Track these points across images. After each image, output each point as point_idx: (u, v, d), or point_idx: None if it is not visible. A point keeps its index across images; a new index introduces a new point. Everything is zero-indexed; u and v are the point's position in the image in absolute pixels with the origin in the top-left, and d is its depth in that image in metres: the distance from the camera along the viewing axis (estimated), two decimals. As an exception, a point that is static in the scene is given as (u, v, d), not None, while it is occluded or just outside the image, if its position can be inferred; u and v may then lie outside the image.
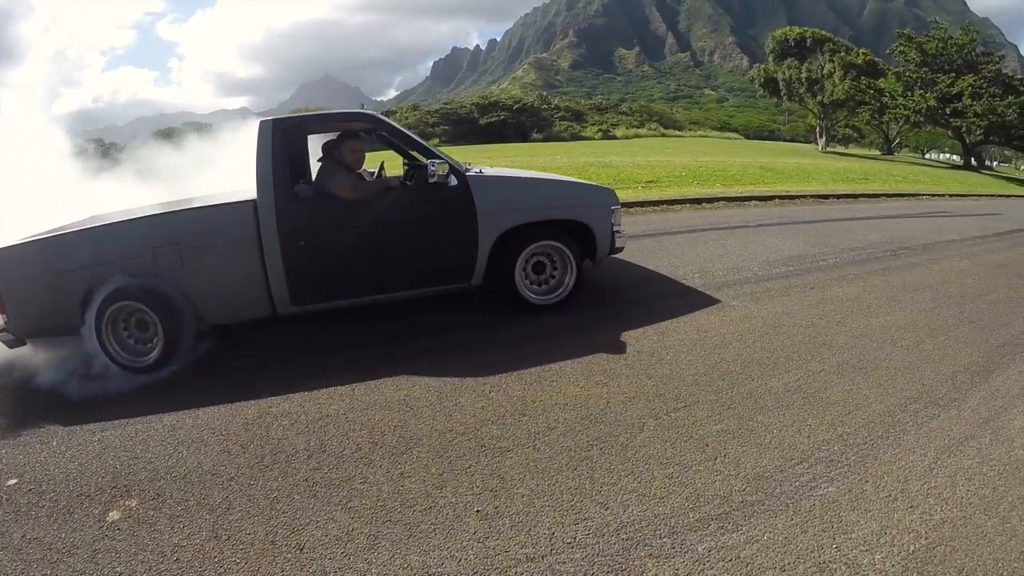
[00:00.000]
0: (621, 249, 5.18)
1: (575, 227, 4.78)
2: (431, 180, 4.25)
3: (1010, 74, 46.21)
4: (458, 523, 2.47)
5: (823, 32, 52.32)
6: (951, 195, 20.23)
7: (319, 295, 4.33)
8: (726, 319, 4.85)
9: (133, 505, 2.63)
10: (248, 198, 4.15)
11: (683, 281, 5.89)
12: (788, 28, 53.88)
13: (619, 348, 4.24)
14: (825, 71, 47.65)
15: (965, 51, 42.04)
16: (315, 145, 4.86)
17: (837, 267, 6.85)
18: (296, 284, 4.17)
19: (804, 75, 48.84)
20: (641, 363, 4.01)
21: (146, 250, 3.95)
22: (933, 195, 19.08)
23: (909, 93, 42.64)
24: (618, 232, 5.01)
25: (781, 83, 50.70)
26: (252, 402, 3.52)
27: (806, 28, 53.17)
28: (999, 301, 5.98)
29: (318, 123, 4.99)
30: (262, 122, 4.15)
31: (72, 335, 3.98)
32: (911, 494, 2.68)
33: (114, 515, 2.57)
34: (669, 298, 5.39)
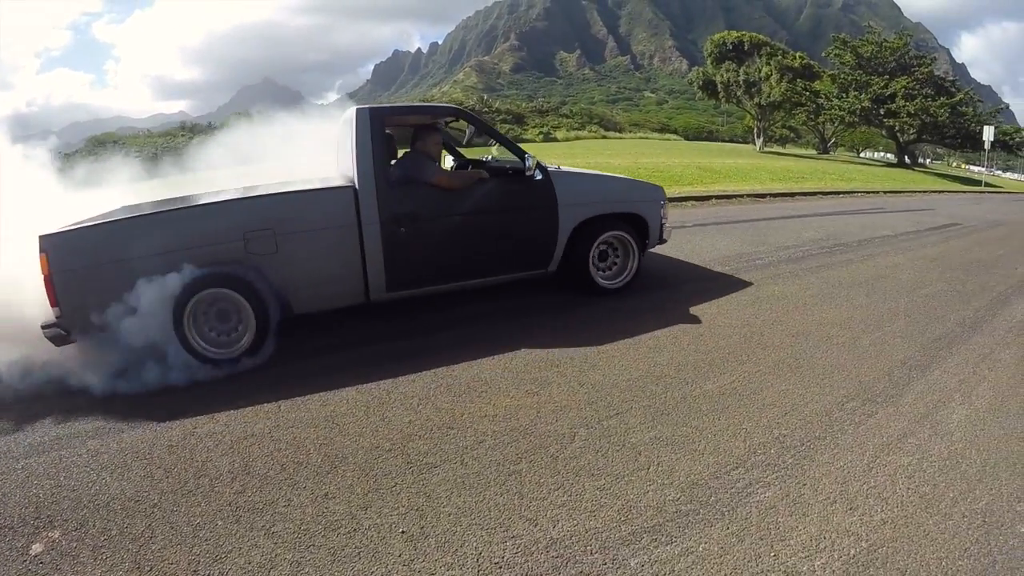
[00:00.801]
0: (666, 240, 5.86)
1: (632, 219, 5.37)
2: (528, 173, 4.72)
3: (942, 76, 49.96)
4: (383, 545, 2.34)
5: (760, 36, 55.24)
6: (886, 192, 21.24)
7: (413, 281, 4.55)
8: (660, 322, 4.83)
9: (56, 536, 2.44)
10: (343, 184, 4.33)
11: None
12: (726, 32, 56.75)
13: (551, 356, 4.15)
14: (762, 74, 50.60)
15: (899, 54, 45.37)
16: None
17: (773, 265, 7.01)
18: (393, 270, 4.36)
19: (742, 78, 51.90)
20: (573, 370, 3.93)
21: (237, 235, 3.93)
22: (868, 192, 19.99)
23: (844, 95, 45.52)
24: (665, 224, 5.69)
25: (720, 86, 53.25)
26: (177, 422, 3.32)
27: (744, 32, 56.06)
28: (934, 295, 6.20)
29: (409, 113, 5.41)
30: (359, 110, 4.35)
31: None
32: (850, 495, 2.67)
33: (37, 548, 2.38)
34: (603, 302, 5.34)
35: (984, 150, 37.57)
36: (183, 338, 3.83)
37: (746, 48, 52.08)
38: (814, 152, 56.79)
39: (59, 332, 3.69)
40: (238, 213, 4.06)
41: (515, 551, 2.31)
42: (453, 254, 4.62)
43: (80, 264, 3.70)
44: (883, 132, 48.92)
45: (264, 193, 4.36)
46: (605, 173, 6.41)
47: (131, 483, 2.82)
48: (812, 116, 50.88)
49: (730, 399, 3.54)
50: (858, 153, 70.37)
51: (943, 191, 27.85)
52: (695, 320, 4.92)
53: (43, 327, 3.75)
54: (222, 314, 3.97)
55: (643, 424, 3.25)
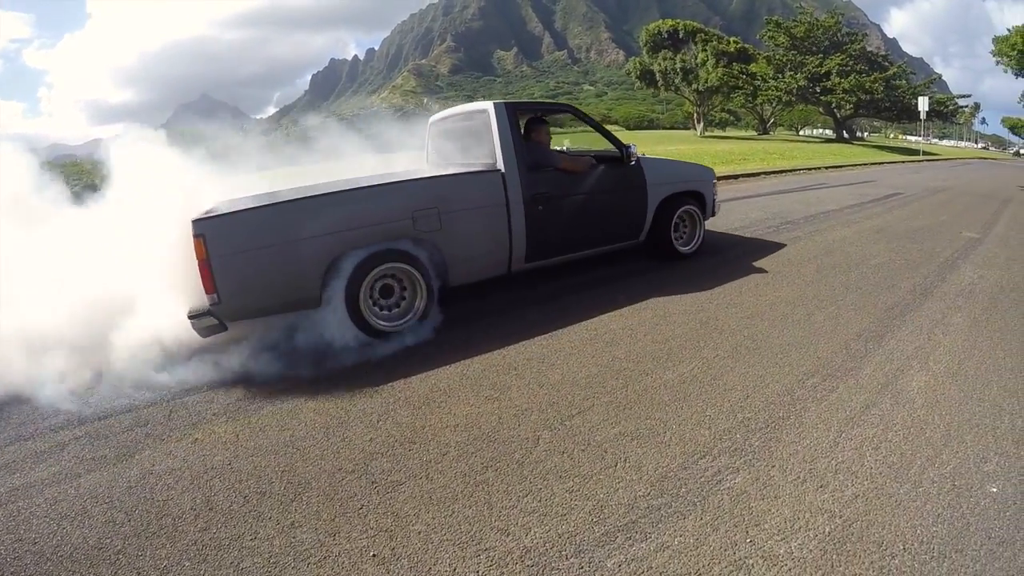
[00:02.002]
0: (715, 214, 7.10)
1: (696, 195, 6.51)
2: (630, 161, 5.77)
3: (874, 51, 52.30)
4: (355, 571, 2.25)
5: (695, 23, 57.07)
6: (827, 167, 21.90)
7: (546, 253, 5.30)
8: (616, 315, 4.84)
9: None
10: (492, 168, 4.95)
11: (567, 278, 5.86)
12: (661, 21, 58.47)
13: (507, 357, 4.10)
14: (699, 60, 52.53)
15: (831, 33, 48.06)
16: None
17: (722, 250, 7.13)
18: (533, 243, 5.08)
19: (679, 65, 53.75)
20: (531, 371, 3.89)
21: (407, 213, 4.35)
22: (810, 169, 20.54)
23: (780, 75, 47.51)
24: (716, 199, 6.98)
25: (657, 74, 54.74)
26: (135, 461, 3.13)
27: (678, 20, 57.78)
28: (882, 265, 6.39)
29: (532, 108, 6.20)
30: (496, 104, 5.05)
31: (292, 313, 4.17)
32: (819, 473, 2.70)
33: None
34: (555, 298, 5.33)
35: (920, 120, 39.27)
36: (357, 314, 4.18)
37: (681, 36, 54.06)
38: (754, 133, 58.63)
39: (212, 321, 3.84)
40: (408, 193, 4.55)
41: (489, 564, 2.25)
42: (576, 228, 5.44)
43: (243, 247, 3.84)
44: (820, 109, 51.05)
45: (430, 175, 5.03)
46: (673, 159, 7.38)
47: (93, 530, 2.66)
48: (750, 98, 52.70)
49: (691, 387, 3.55)
50: (797, 132, 72.67)
51: (883, 163, 28.94)
52: (649, 310, 4.94)
53: (191, 317, 3.91)
54: (385, 289, 4.40)
55: (606, 421, 3.23)
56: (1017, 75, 39.21)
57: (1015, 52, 37.38)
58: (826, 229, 8.52)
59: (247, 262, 3.86)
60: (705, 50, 51.86)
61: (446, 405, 3.53)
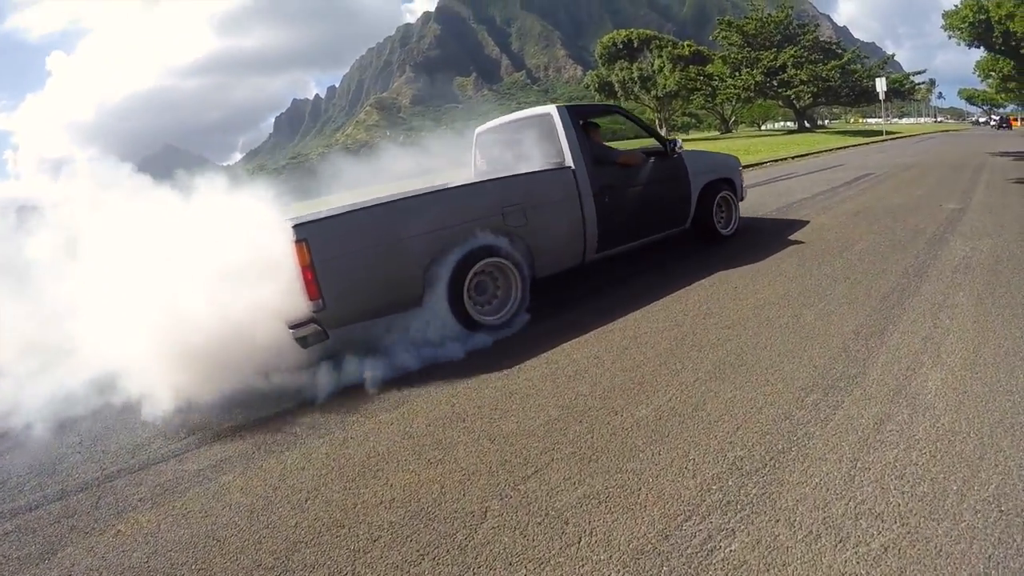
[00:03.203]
0: (744, 198, 7.63)
1: (728, 182, 7.05)
2: (673, 152, 6.29)
3: (827, 40, 53.68)
4: None
5: (648, 31, 58.70)
6: (793, 157, 21.74)
7: (614, 242, 5.63)
8: (580, 341, 4.31)
9: None
10: (562, 165, 5.32)
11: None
12: (615, 32, 60.02)
13: (455, 407, 3.53)
14: (655, 67, 54.25)
15: (783, 27, 49.82)
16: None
17: (695, 252, 6.64)
18: (603, 233, 5.43)
19: (636, 74, 55.58)
20: (482, 421, 3.32)
21: (497, 210, 4.63)
22: (776, 161, 20.38)
23: (737, 73, 48.91)
24: (744, 185, 7.66)
25: (616, 85, 56.22)
26: (55, 559, 2.65)
27: (632, 30, 59.23)
28: (868, 249, 5.97)
29: (587, 110, 6.36)
30: (559, 107, 5.54)
31: (395, 314, 4.23)
32: (836, 522, 2.16)
33: None
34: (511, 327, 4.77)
35: (880, 101, 40.21)
36: (461, 310, 4.36)
37: (636, 45, 55.90)
38: (717, 133, 59.39)
39: (315, 329, 3.79)
40: (497, 191, 4.83)
41: None
42: (636, 217, 5.82)
43: (346, 249, 3.93)
44: (780, 102, 52.20)
45: (513, 173, 5.26)
46: (704, 150, 8.00)
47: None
48: (709, 99, 53.86)
49: (669, 423, 3.00)
50: (759, 127, 73.63)
51: (848, 146, 29.01)
52: (617, 332, 4.41)
53: (292, 327, 3.81)
54: (480, 286, 4.62)
55: (568, 480, 2.67)
56: (970, 46, 40.54)
57: (966, 24, 38.72)
58: (801, 219, 8.15)
59: (351, 264, 3.95)
60: (661, 56, 53.32)
61: (383, 474, 2.96)
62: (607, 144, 6.38)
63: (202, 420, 3.74)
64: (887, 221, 7.51)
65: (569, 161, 5.33)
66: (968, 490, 2.26)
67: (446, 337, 4.33)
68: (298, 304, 3.88)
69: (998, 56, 47.52)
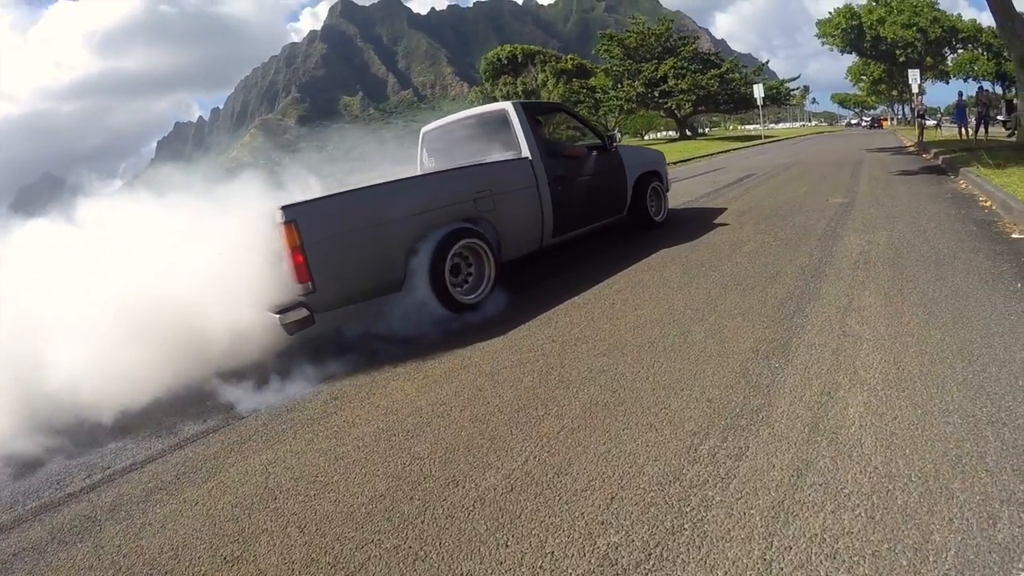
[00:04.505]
0: (668, 189, 8.29)
1: (656, 175, 7.71)
2: (612, 147, 6.90)
3: (706, 52, 56.56)
4: None
5: (532, 47, 60.68)
6: (675, 163, 21.97)
7: (566, 228, 5.98)
8: (424, 383, 3.53)
9: None
10: (520, 156, 5.69)
11: (359, 344, 4.47)
12: (499, 48, 61.27)
13: (266, 481, 2.67)
14: (539, 81, 55.49)
15: (663, 39, 51.92)
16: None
17: (570, 266, 6.04)
18: (557, 219, 5.79)
19: (520, 89, 57.46)
20: (295, 500, 2.50)
21: (469, 196, 4.94)
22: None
23: (619, 85, 51.11)
24: (668, 177, 8.35)
25: (500, 100, 56.96)
26: None
27: (516, 45, 60.90)
28: (757, 251, 5.57)
29: (537, 107, 7.00)
30: (514, 103, 5.94)
31: (377, 298, 4.36)
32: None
33: None
34: (338, 365, 3.94)
35: (758, 107, 42.70)
36: (442, 291, 4.48)
37: (520, 60, 57.84)
38: (601, 145, 61.39)
39: (304, 313, 3.81)
40: (469, 178, 5.15)
41: None
42: (584, 205, 6.28)
43: (334, 231, 3.99)
44: (662, 112, 54.30)
45: (483, 162, 5.74)
46: (634, 146, 9.07)
47: None
48: (592, 111, 55.65)
49: (523, 496, 2.27)
50: (643, 137, 76.04)
51: (728, 150, 29.93)
52: (470, 370, 3.66)
53: (280, 312, 3.78)
54: (454, 269, 4.72)
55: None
56: (843, 52, 44.78)
57: (839, 31, 42.83)
58: (684, 222, 7.84)
59: (339, 247, 4.02)
60: (544, 71, 54.82)
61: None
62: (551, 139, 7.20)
63: None
64: (774, 220, 7.23)
65: (526, 152, 5.73)
66: (922, 564, 1.67)
67: (433, 318, 4.53)
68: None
69: (869, 60, 52.12)
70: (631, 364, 3.30)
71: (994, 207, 6.57)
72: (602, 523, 2.03)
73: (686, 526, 1.95)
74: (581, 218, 6.29)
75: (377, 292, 4.35)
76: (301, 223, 3.80)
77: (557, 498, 2.21)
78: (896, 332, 3.27)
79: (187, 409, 3.66)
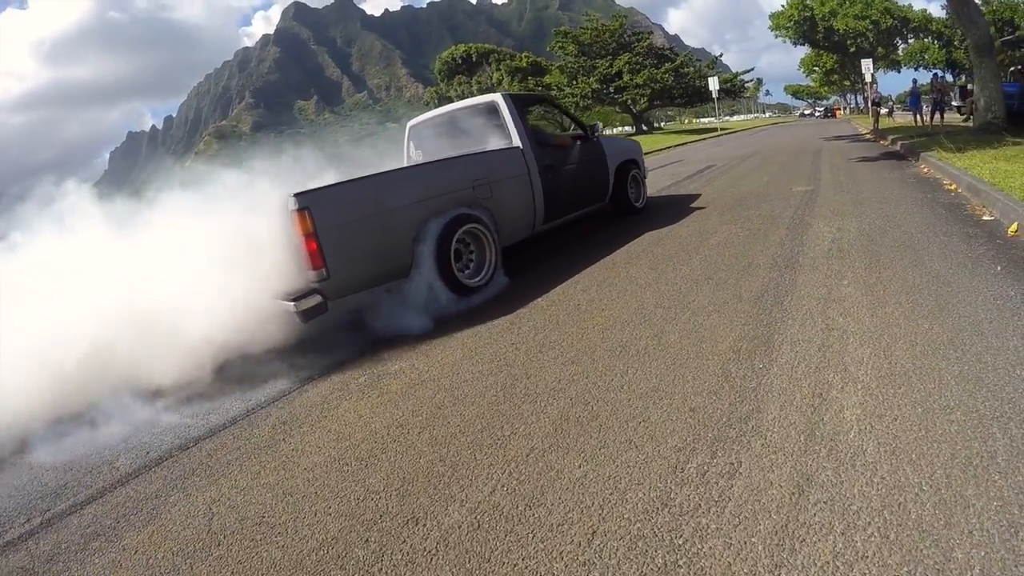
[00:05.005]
0: (646, 176, 8.79)
1: (635, 163, 8.19)
2: (594, 136, 7.24)
3: (660, 47, 57.24)
4: None
5: (486, 46, 61.01)
6: (634, 158, 21.80)
7: (556, 213, 6.30)
8: (380, 401, 3.25)
9: None
10: (512, 146, 5.96)
11: (310, 354, 4.17)
12: (453, 48, 61.60)
13: (209, 525, 2.35)
14: (494, 80, 56.27)
15: (617, 35, 51.68)
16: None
17: (521, 270, 5.79)
18: (548, 206, 6.09)
19: (475, 88, 58.04)
20: (239, 547, 2.21)
21: (468, 184, 5.13)
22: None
23: (574, 82, 51.14)
24: (645, 166, 8.83)
25: (455, 100, 57.50)
26: None
27: (471, 45, 61.13)
28: (726, 242, 5.41)
29: (524, 99, 7.00)
30: (504, 95, 6.26)
31: (385, 285, 4.51)
32: None
33: None
34: (289, 376, 3.63)
35: (713, 100, 43.53)
36: (449, 275, 4.67)
37: (475, 59, 58.17)
38: (558, 141, 62.15)
39: (318, 301, 3.91)
40: (468, 166, 5.32)
41: None
42: (572, 192, 6.53)
43: (346, 218, 4.14)
44: (617, 108, 54.51)
45: (480, 151, 5.87)
46: (613, 137, 9.46)
47: None
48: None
49: (491, 534, 2.01)
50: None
51: (686, 143, 30.07)
52: (431, 380, 3.39)
53: (295, 299, 3.84)
54: (456, 254, 4.84)
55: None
56: (795, 43, 46.07)
57: (792, 23, 44.08)
58: (648, 216, 7.64)
59: (351, 233, 4.13)
60: (499, 69, 54.86)
61: None
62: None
63: None
64: (740, 210, 7.09)
65: (517, 142, 5.95)
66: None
67: (440, 304, 4.65)
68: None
69: (822, 52, 53.46)
70: (603, 372, 3.06)
71: (960, 190, 6.52)
72: (584, 564, 1.78)
73: (680, 562, 1.71)
74: (569, 205, 6.55)
75: (385, 278, 4.48)
76: (315, 210, 3.89)
77: (530, 535, 1.95)
78: (882, 323, 3.09)
79: (129, 439, 3.35)
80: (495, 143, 6.14)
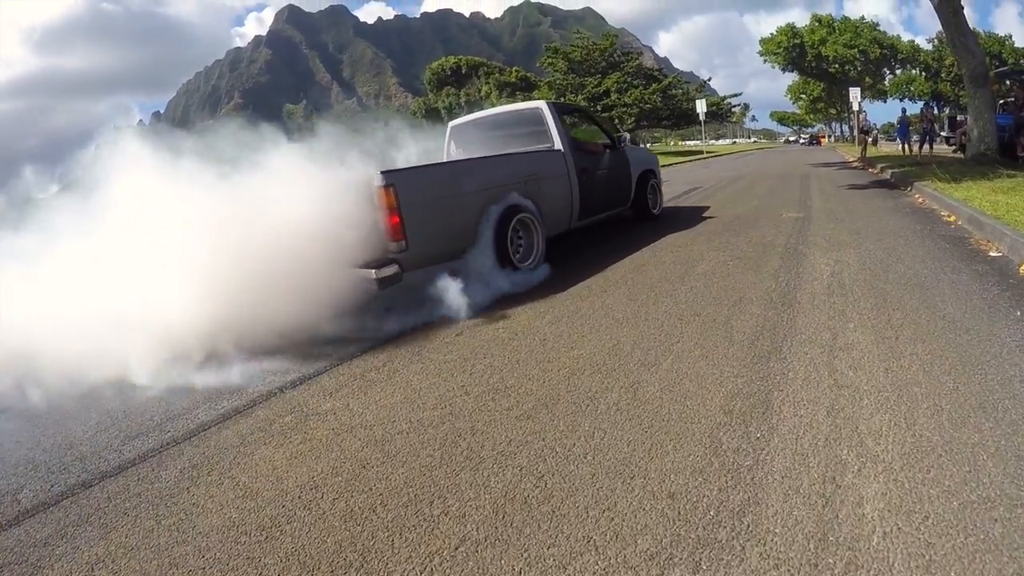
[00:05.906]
0: (661, 186, 9.33)
1: (653, 172, 8.83)
2: (622, 145, 7.94)
3: (649, 68, 57.87)
4: None
5: (476, 59, 61.49)
6: (618, 177, 21.59)
7: (588, 213, 6.89)
8: (300, 450, 2.70)
9: None
10: (554, 148, 6.55)
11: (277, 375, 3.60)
12: (444, 59, 62.09)
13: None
14: (483, 93, 56.86)
15: (607, 54, 52.07)
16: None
17: (501, 299, 5.20)
18: (583, 205, 6.67)
19: (463, 100, 58.47)
20: None
21: (521, 178, 5.70)
22: (601, 182, 20.10)
23: (562, 99, 50.61)
24: (660, 176, 9.35)
25: (443, 111, 60.27)
26: None
27: (461, 57, 61.67)
28: (713, 271, 4.96)
29: (564, 108, 7.90)
30: (547, 103, 6.85)
31: (450, 262, 4.83)
32: None
33: None
34: (215, 407, 3.07)
35: (699, 123, 44.25)
36: (505, 255, 5.17)
37: (464, 71, 59.02)
38: (544, 158, 63.09)
39: (396, 270, 4.26)
40: (522, 162, 6.07)
41: None
42: (602, 194, 7.18)
43: (425, 197, 4.60)
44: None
45: (531, 150, 6.63)
46: (636, 147, 9.54)
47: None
48: None
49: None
50: (583, 152, 77.49)
51: (672, 164, 29.84)
52: (358, 429, 2.83)
53: (376, 267, 4.17)
54: (511, 239, 5.33)
55: None
56: (784, 70, 47.05)
57: (781, 49, 45.13)
58: (631, 240, 7.04)
59: (428, 211, 4.58)
60: (488, 83, 55.11)
61: None
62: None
63: None
64: (728, 235, 6.66)
65: (559, 145, 6.52)
66: None
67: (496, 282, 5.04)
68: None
69: (809, 79, 54.18)
70: (563, 432, 2.52)
71: (960, 222, 6.18)
72: None
73: None
74: (599, 206, 7.13)
75: (450, 255, 4.84)
76: (399, 187, 4.28)
77: None
78: (899, 380, 2.61)
79: (30, 473, 2.79)
80: (538, 146, 6.72)
